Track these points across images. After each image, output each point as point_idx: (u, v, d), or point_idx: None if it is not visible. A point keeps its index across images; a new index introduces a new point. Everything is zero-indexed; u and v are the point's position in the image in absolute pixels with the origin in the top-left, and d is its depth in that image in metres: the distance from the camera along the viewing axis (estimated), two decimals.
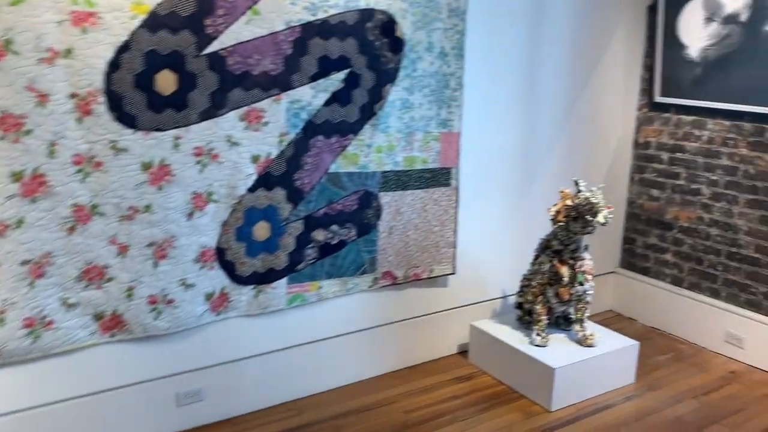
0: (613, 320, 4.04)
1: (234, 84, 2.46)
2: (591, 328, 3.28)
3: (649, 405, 3.02)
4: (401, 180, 3.03)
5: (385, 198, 3.01)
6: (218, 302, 2.67)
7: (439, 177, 3.15)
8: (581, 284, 3.05)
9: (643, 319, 3.99)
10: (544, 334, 3.12)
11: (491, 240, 3.48)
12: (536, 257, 3.20)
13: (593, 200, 2.84)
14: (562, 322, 3.32)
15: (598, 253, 3.95)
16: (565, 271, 3.02)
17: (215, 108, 2.45)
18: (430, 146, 3.07)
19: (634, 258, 4.06)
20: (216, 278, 2.64)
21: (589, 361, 3.02)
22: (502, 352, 3.17)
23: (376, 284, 3.09)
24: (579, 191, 2.93)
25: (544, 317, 3.13)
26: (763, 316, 3.39)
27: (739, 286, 3.49)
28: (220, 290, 2.66)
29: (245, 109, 2.52)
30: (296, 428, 2.78)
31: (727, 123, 3.46)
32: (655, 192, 3.88)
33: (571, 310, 3.18)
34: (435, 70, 2.97)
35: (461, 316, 3.47)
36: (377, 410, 2.92)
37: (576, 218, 2.91)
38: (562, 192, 2.98)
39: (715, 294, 3.61)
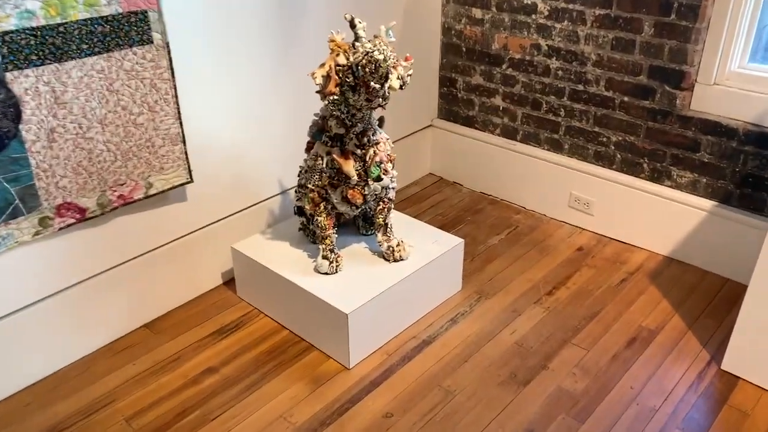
0: (434, 188, 3.14)
1: None
2: (399, 233, 2.32)
3: (480, 329, 2.21)
4: (49, 43, 1.70)
5: (24, 81, 1.68)
6: None
7: (127, 29, 1.83)
8: (378, 179, 2.01)
9: (470, 183, 3.12)
10: (333, 256, 2.11)
11: (247, 117, 2.29)
12: (309, 145, 2.08)
13: (377, 55, 1.71)
14: (362, 224, 2.33)
15: (407, 102, 2.90)
16: (350, 166, 1.95)
17: None
18: None
19: (456, 105, 3.07)
20: None
21: (396, 288, 2.09)
22: (277, 285, 2.15)
23: (50, 227, 1.85)
24: (357, 39, 1.78)
25: (330, 232, 2.10)
26: (614, 172, 2.61)
27: (586, 135, 2.65)
28: None
29: None
30: None
31: None
32: (477, 12, 2.80)
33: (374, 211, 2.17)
34: None
35: (224, 233, 2.36)
36: (92, 419, 1.86)
37: (355, 87, 1.79)
38: (331, 41, 1.81)
39: (556, 147, 2.76)
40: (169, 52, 1.93)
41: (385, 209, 2.14)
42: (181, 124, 2.04)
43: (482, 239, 2.71)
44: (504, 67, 2.80)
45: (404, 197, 3.05)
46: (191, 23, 2.00)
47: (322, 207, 2.07)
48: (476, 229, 2.78)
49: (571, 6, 2.49)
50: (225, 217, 2.36)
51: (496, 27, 2.76)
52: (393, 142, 2.98)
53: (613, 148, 2.58)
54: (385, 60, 1.71)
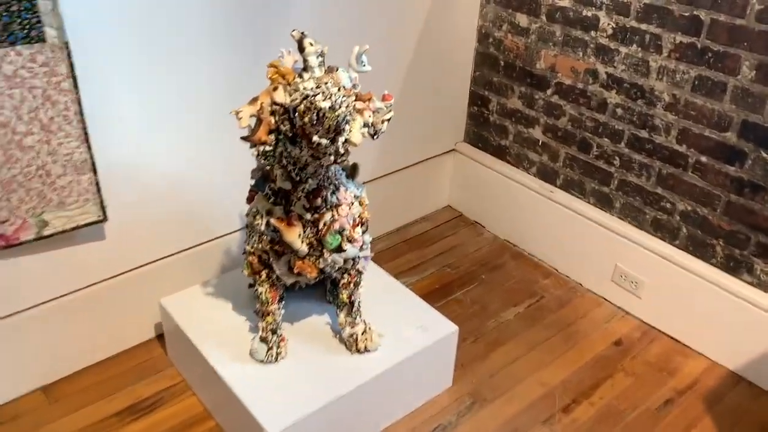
0: (449, 227, 2.56)
1: None
2: (374, 305, 1.77)
3: None
4: None
5: None
6: None
7: (6, 20, 1.34)
8: (338, 250, 1.47)
9: (493, 226, 2.53)
10: (274, 339, 1.59)
11: (189, 137, 1.77)
12: (251, 195, 1.55)
13: (321, 102, 1.15)
14: (330, 289, 1.80)
15: (428, 119, 2.33)
16: (295, 234, 1.41)
17: None
18: None
19: (487, 130, 2.47)
20: None
21: (354, 395, 1.56)
22: (203, 365, 1.65)
23: None
24: (305, 69, 1.22)
25: (273, 308, 1.58)
26: (676, 250, 1.98)
27: (644, 196, 2.02)
28: None
29: None
30: None
31: None
32: (522, 19, 2.18)
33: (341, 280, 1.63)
34: None
35: (158, 278, 1.87)
36: None
37: (294, 138, 1.24)
38: (271, 67, 1.24)
39: (605, 203, 2.14)
40: (69, 55, 1.42)
41: (351, 284, 1.60)
42: (89, 147, 1.54)
43: (494, 310, 2.13)
44: (549, 92, 2.18)
45: (409, 236, 2.49)
46: (105, 15, 1.48)
47: (264, 275, 1.54)
48: (490, 292, 2.21)
49: (644, 26, 1.85)
50: (160, 259, 1.86)
51: (543, 41, 2.13)
52: (405, 167, 2.41)
53: (678, 218, 1.95)
54: (332, 109, 1.14)
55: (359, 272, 1.59)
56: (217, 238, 1.96)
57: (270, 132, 1.21)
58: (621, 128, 2.01)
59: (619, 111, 1.99)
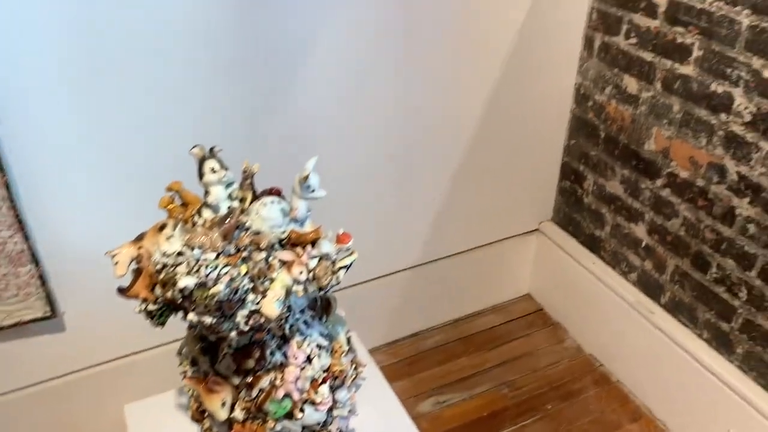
0: (523, 325, 2.07)
1: None
2: None
3: None
4: None
5: None
6: None
7: None
8: (289, 417, 1.08)
9: (577, 333, 2.00)
10: None
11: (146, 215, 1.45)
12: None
13: (181, 279, 0.76)
14: None
15: (505, 188, 1.88)
16: (217, 404, 1.03)
17: None
18: None
19: (579, 212, 1.95)
20: None
21: None
22: None
23: None
24: (205, 204, 0.84)
25: None
26: None
27: None
28: None
29: None
30: None
31: None
32: (631, 83, 1.64)
33: None
34: None
35: (124, 375, 1.60)
36: None
37: (171, 304, 0.86)
38: (170, 190, 0.88)
39: (722, 343, 1.56)
40: None
41: None
42: (26, 237, 1.27)
43: None
44: (659, 183, 1.62)
45: (471, 332, 2.04)
46: (46, 61, 1.19)
47: (206, 425, 1.19)
48: (555, 422, 1.71)
49: None
50: (125, 356, 1.58)
51: (656, 116, 1.58)
52: (476, 247, 1.95)
53: None
54: (202, 286, 0.75)
55: None
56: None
57: (152, 287, 0.85)
58: (753, 251, 1.42)
59: (752, 228, 1.41)
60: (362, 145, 1.59)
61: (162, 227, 0.83)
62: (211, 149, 0.85)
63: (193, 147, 0.85)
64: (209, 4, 1.25)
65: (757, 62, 1.32)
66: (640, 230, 1.72)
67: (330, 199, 0.94)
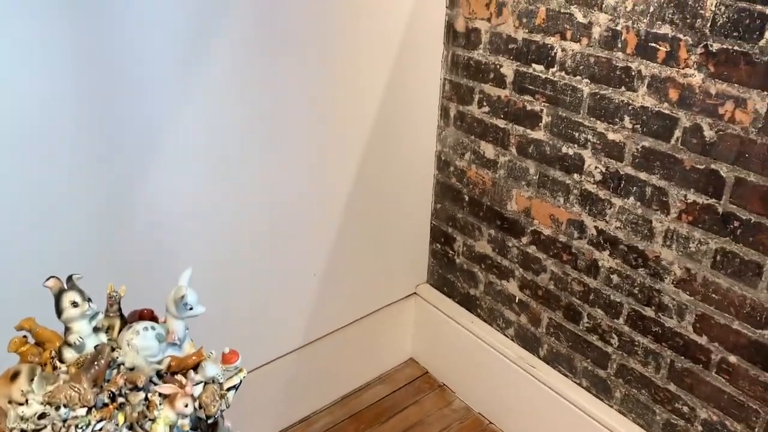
0: (411, 392, 2.04)
1: None
2: None
3: None
4: None
5: None
6: None
7: None
8: None
9: (464, 393, 2.01)
10: None
11: None
12: None
13: None
14: None
15: (383, 259, 1.85)
16: None
17: None
18: None
19: (452, 273, 1.98)
20: None
21: None
22: None
23: None
24: (60, 348, 0.74)
25: None
26: None
27: (653, 390, 1.50)
28: None
29: None
30: None
31: None
32: (487, 149, 1.71)
33: None
34: None
35: None
36: None
37: None
38: (22, 328, 0.76)
39: (601, 389, 1.62)
40: None
41: None
42: None
43: None
44: (524, 240, 1.69)
45: (360, 407, 1.98)
46: None
47: None
48: None
49: (643, 176, 1.37)
50: None
51: (515, 178, 1.66)
52: (355, 321, 1.91)
53: (700, 428, 1.42)
54: None
55: None
56: None
57: None
58: (618, 300, 1.50)
59: (615, 278, 1.49)
60: (229, 234, 1.51)
61: (14, 375, 0.71)
62: (69, 279, 0.75)
63: (47, 279, 0.74)
64: (43, 94, 1.14)
65: (600, 126, 1.42)
66: (512, 286, 1.78)
67: (201, 297, 0.86)
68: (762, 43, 1.13)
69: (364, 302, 1.94)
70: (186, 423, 0.78)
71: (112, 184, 1.27)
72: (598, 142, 1.43)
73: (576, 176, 1.51)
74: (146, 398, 0.73)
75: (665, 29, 1.25)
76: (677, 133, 1.28)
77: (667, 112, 1.29)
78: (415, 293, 2.07)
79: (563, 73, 1.45)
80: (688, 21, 1.21)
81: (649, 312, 1.45)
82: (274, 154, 1.51)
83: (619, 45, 1.33)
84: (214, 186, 1.44)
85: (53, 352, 0.74)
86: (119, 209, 1.30)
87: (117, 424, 0.69)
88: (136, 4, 1.17)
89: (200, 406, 0.79)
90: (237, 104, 1.40)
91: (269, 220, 1.58)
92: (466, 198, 1.82)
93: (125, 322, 0.83)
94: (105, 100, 1.20)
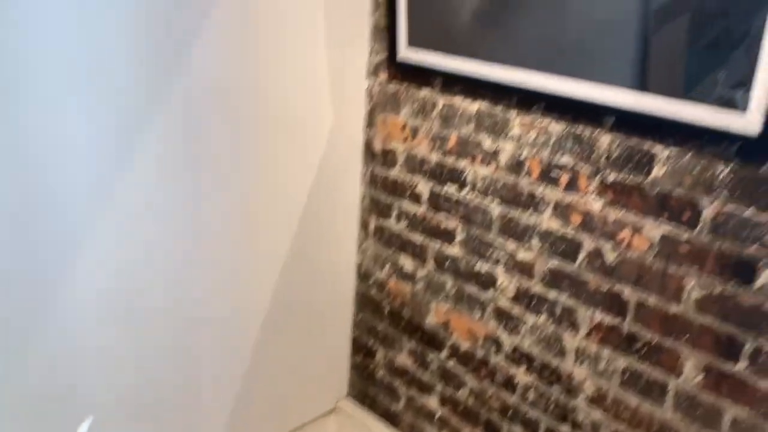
0: None
1: None
2: None
3: None
4: None
5: None
6: None
7: None
8: None
9: None
10: None
11: None
12: None
13: None
14: None
15: (300, 373, 1.80)
16: None
17: None
18: None
19: (373, 386, 1.95)
20: None
21: None
22: None
23: None
24: None
25: None
26: None
27: None
28: None
29: None
30: None
31: (556, 122, 1.34)
32: (406, 263, 1.74)
33: None
34: None
35: None
36: None
37: None
38: None
39: None
40: None
41: None
42: None
43: None
44: (444, 355, 1.69)
45: None
46: None
47: None
48: None
49: (553, 294, 1.41)
50: None
51: (434, 292, 1.68)
52: None
53: None
54: None
55: None
56: None
57: None
58: (535, 417, 1.51)
59: (531, 395, 1.51)
60: (137, 359, 1.45)
61: None
62: None
63: None
64: None
65: (510, 245, 1.47)
66: (432, 402, 1.76)
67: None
68: (650, 178, 1.22)
69: (283, 420, 1.86)
70: None
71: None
72: (509, 260, 1.48)
73: (491, 292, 1.54)
74: None
75: (566, 159, 1.33)
76: (581, 255, 1.34)
77: (570, 236, 1.35)
78: (336, 408, 2.02)
79: (475, 194, 1.51)
80: (586, 153, 1.30)
81: (564, 429, 1.46)
82: (193, 269, 1.48)
83: (525, 171, 1.41)
84: (120, 308, 1.38)
85: None
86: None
87: None
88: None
89: None
90: (154, 222, 1.38)
91: (183, 345, 1.52)
92: (387, 309, 1.83)
93: None
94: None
